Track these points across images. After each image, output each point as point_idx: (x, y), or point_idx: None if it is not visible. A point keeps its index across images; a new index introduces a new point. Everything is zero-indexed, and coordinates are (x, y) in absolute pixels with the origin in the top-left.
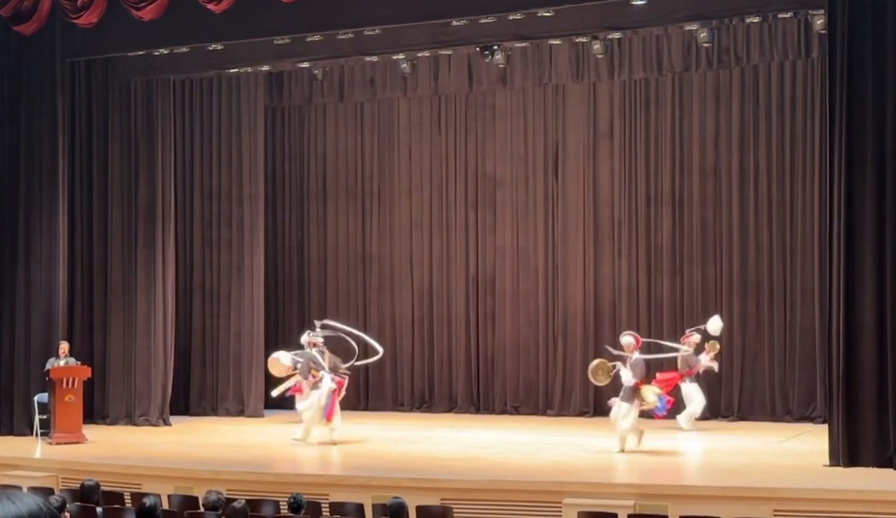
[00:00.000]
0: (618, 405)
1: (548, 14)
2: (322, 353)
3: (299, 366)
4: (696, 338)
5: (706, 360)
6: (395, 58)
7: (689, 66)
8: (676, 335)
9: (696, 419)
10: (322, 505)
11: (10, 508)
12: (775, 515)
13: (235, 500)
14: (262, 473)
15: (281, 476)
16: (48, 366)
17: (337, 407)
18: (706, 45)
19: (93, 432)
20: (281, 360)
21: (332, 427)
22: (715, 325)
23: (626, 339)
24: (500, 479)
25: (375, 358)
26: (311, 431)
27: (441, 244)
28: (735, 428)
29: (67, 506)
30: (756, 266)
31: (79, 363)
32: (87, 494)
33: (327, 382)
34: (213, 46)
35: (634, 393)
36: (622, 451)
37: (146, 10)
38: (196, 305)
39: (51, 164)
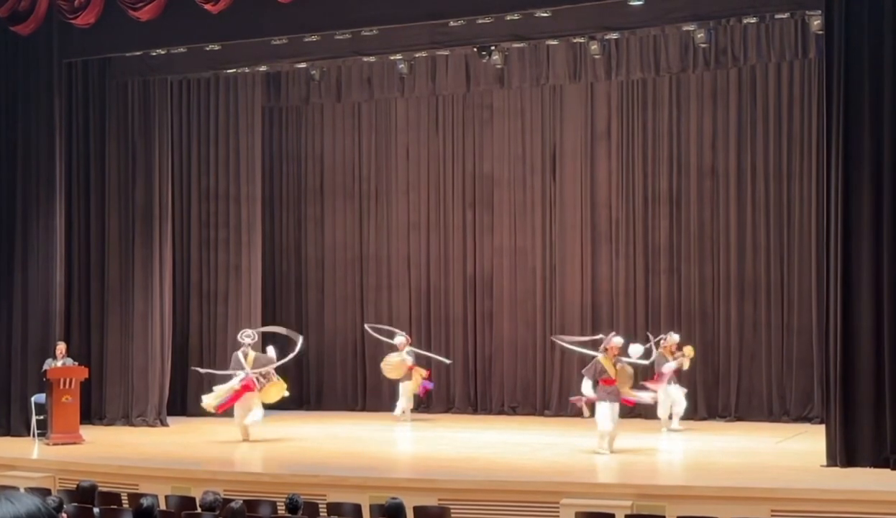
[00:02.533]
0: (604, 406)
1: (545, 14)
2: (245, 354)
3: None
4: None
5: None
6: (392, 58)
7: (687, 67)
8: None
9: (681, 418)
10: (319, 505)
11: (9, 509)
12: (773, 516)
13: (232, 500)
14: (260, 474)
15: (278, 477)
16: (45, 366)
17: (236, 404)
18: (703, 45)
19: (90, 433)
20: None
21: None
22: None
23: (618, 339)
24: (497, 480)
25: (296, 351)
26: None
27: (438, 244)
28: (732, 428)
29: (65, 506)
30: (753, 266)
31: (76, 364)
32: (84, 495)
33: (233, 382)
34: (210, 47)
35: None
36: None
37: (143, 11)
38: (193, 306)
39: (48, 165)
